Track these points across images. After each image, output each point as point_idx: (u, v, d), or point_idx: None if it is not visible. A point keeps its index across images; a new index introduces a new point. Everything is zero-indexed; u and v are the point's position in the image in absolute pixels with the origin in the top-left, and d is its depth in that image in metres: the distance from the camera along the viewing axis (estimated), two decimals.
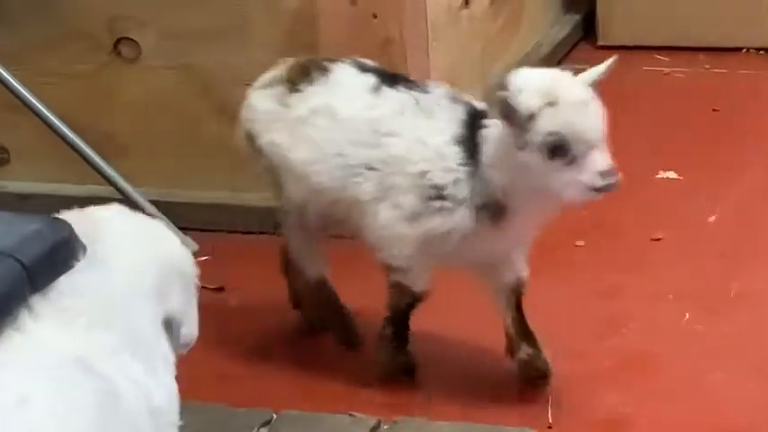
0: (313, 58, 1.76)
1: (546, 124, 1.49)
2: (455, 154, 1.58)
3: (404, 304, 1.67)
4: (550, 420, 1.60)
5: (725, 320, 1.79)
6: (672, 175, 2.23)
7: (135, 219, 1.22)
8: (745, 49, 2.81)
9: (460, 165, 1.58)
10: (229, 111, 1.88)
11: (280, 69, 1.74)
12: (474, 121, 1.61)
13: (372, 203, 1.61)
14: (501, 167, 1.55)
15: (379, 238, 1.64)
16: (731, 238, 2.03)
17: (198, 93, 2.12)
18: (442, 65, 2.14)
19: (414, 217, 1.59)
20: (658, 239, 2.01)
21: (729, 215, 2.06)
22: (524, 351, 1.67)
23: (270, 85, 1.73)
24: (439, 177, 1.56)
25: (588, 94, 1.55)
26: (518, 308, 1.66)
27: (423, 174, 1.56)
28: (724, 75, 2.74)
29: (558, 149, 1.49)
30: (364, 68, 1.68)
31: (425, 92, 1.64)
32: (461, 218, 1.58)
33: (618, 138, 2.56)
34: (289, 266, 1.82)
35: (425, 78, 1.75)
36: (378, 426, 1.57)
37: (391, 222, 1.61)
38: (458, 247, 1.60)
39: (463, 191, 1.57)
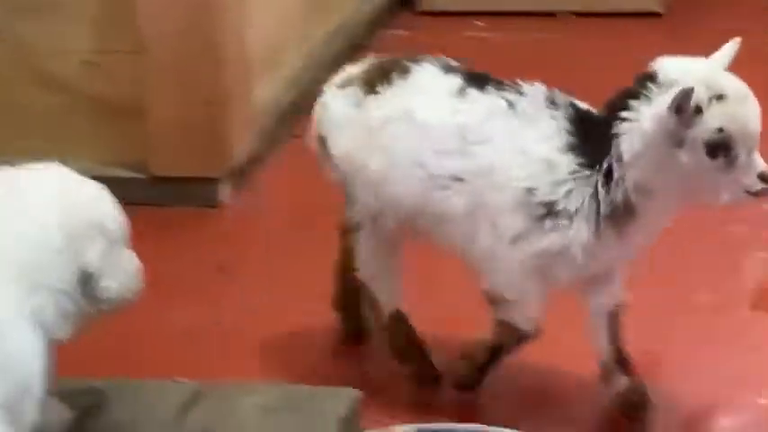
0: (395, 59, 1.59)
1: (714, 120, 1.35)
2: (567, 163, 1.41)
3: (510, 344, 1.49)
4: None
5: None
6: None
7: (60, 178, 1.24)
8: (558, 13, 2.91)
9: (573, 173, 1.41)
10: (45, 79, 1.86)
11: (358, 68, 1.58)
12: (582, 121, 1.45)
13: (465, 220, 1.45)
14: (644, 166, 1.38)
15: (481, 264, 1.47)
16: None
17: (13, 62, 2.09)
18: (260, 25, 2.16)
19: (521, 238, 1.42)
20: None
21: None
22: (621, 382, 1.51)
23: (346, 84, 1.57)
24: (548, 193, 1.38)
25: (748, 89, 1.41)
26: (616, 334, 1.49)
27: (529, 191, 1.38)
28: (542, 39, 2.82)
29: (722, 148, 1.35)
30: (449, 69, 1.52)
31: (520, 93, 1.46)
32: (578, 232, 1.41)
33: None
34: (347, 282, 1.65)
35: (517, 81, 1.51)
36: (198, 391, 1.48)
37: (493, 246, 1.43)
38: (574, 265, 1.44)
39: (578, 202, 1.40)
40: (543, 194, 1.38)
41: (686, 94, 1.31)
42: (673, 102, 1.32)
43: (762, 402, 1.53)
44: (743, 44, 1.47)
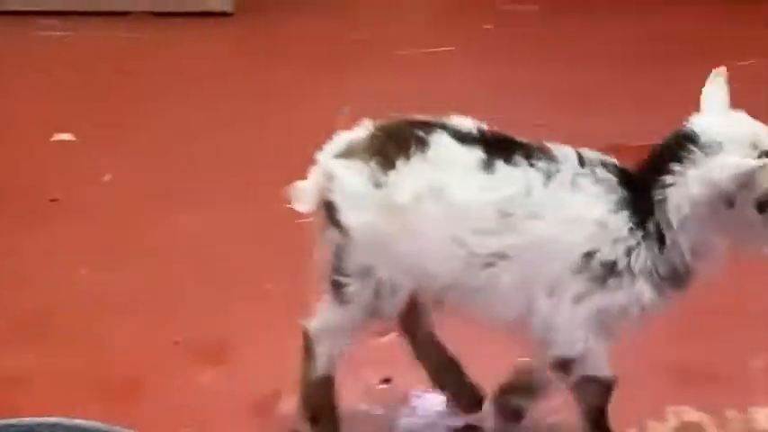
0: (399, 125, 1.49)
1: (764, 180, 1.35)
2: (621, 221, 1.39)
3: (600, 398, 1.46)
4: None
5: (120, 274, 1.82)
6: (67, 137, 2.24)
7: None
8: (133, 13, 2.88)
9: (630, 232, 1.39)
10: None
11: (357, 134, 1.47)
12: (621, 179, 1.42)
13: (516, 294, 1.40)
14: (693, 229, 1.38)
15: (545, 334, 1.42)
16: (125, 195, 2.08)
17: None
18: None
19: (583, 297, 1.40)
20: (55, 200, 2.01)
21: (124, 173, 2.11)
22: None
23: (352, 154, 1.46)
24: (608, 253, 1.37)
25: None
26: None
27: (588, 255, 1.37)
28: (119, 38, 2.78)
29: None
30: (462, 138, 1.43)
31: (551, 160, 1.42)
32: (641, 291, 1.40)
33: (9, 104, 2.55)
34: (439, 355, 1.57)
35: (542, 144, 1.45)
36: None
37: (555, 312, 1.41)
38: (633, 323, 1.41)
39: (637, 260, 1.39)
40: (603, 255, 1.37)
41: (751, 172, 1.33)
42: (736, 177, 1.32)
43: None
44: None
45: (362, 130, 1.44)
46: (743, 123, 1.42)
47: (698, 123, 1.40)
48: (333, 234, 1.40)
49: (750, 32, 2.64)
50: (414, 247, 1.37)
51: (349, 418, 1.50)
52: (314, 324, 1.45)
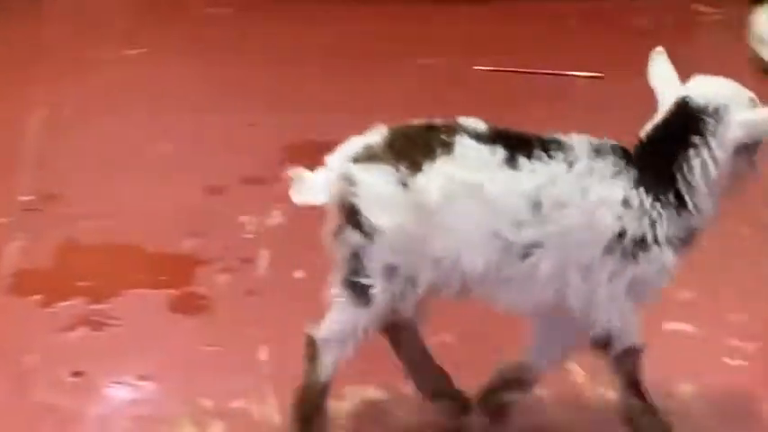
0: (418, 128, 1.50)
1: (765, 124, 1.49)
2: (643, 196, 1.46)
3: (637, 366, 1.52)
4: None
5: None
6: None
7: None
8: None
9: (652, 205, 1.47)
10: None
11: (375, 138, 1.46)
12: (632, 158, 1.49)
13: (552, 280, 1.47)
14: (717, 189, 1.48)
15: (584, 313, 1.49)
16: None
17: None
18: None
19: (617, 274, 1.47)
20: None
21: None
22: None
23: (374, 158, 1.46)
24: (636, 229, 1.45)
25: None
26: None
27: (619, 235, 1.44)
28: None
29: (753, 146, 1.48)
30: (481, 138, 1.48)
31: (568, 151, 1.48)
32: (666, 258, 1.47)
33: None
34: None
35: (555, 135, 1.51)
36: None
37: (592, 292, 1.48)
38: (661, 287, 1.50)
39: (661, 230, 1.47)
40: (632, 232, 1.45)
41: (765, 120, 1.47)
42: (755, 129, 1.46)
43: None
44: None
45: (376, 135, 1.47)
46: (728, 85, 1.53)
47: (697, 93, 1.50)
48: (353, 236, 1.43)
49: (433, 32, 2.79)
50: (447, 243, 1.43)
51: (40, 412, 1.53)
52: (323, 330, 1.46)
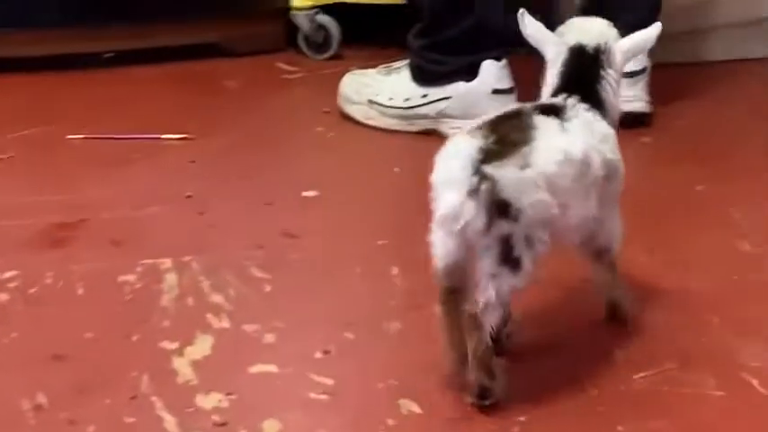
0: (499, 119, 1.72)
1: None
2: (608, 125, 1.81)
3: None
4: None
5: None
6: None
7: None
8: None
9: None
10: None
11: (472, 141, 1.63)
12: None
13: (594, 211, 1.79)
14: (617, 105, 1.85)
15: (595, 231, 1.80)
16: None
17: None
18: None
19: (614, 192, 1.82)
20: None
21: None
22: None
23: (496, 155, 1.63)
24: (613, 152, 1.78)
25: None
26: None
27: (612, 162, 1.78)
28: None
29: None
30: (542, 112, 1.76)
31: (564, 110, 1.78)
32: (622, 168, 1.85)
33: None
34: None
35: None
36: None
37: (603, 211, 1.79)
38: None
39: (616, 148, 1.83)
40: (613, 156, 1.76)
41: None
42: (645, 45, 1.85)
43: None
44: None
45: (471, 139, 1.62)
46: (600, 25, 1.85)
47: (585, 39, 1.81)
48: (503, 226, 1.61)
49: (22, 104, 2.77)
50: (561, 202, 1.67)
51: None
52: (483, 303, 1.64)
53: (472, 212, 1.57)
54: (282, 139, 2.60)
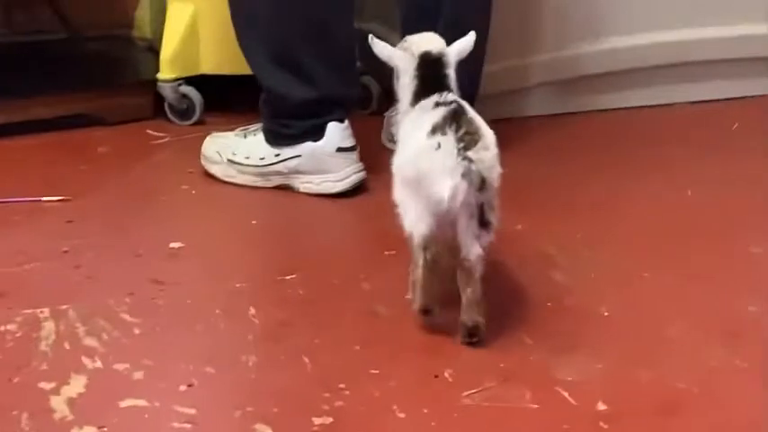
0: (451, 113, 1.84)
1: None
2: None
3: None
4: None
5: None
6: None
7: None
8: None
9: None
10: None
11: (446, 133, 1.79)
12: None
13: None
14: None
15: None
16: None
17: None
18: None
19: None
20: None
21: None
22: None
23: (472, 142, 1.80)
24: None
25: None
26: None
27: None
28: None
29: None
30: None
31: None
32: None
33: None
34: None
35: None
36: None
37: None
38: None
39: None
40: None
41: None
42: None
43: None
44: None
45: (441, 132, 1.80)
46: (434, 36, 2.01)
47: (430, 47, 1.96)
48: (480, 198, 1.78)
49: None
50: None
51: None
52: (473, 257, 1.82)
53: (466, 190, 1.75)
54: (151, 197, 2.62)
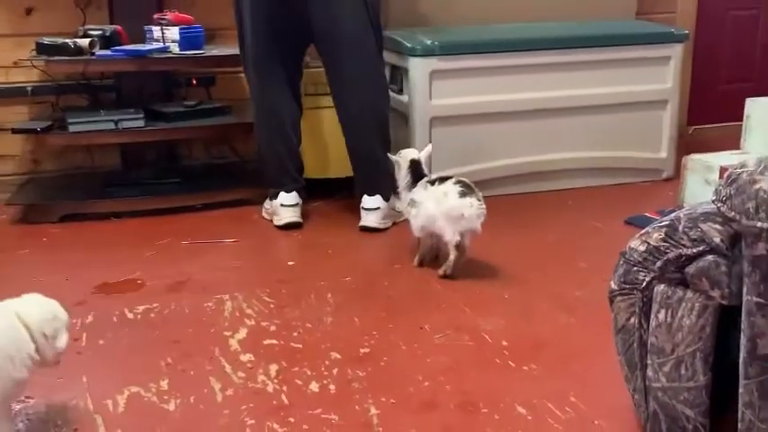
0: (456, 180, 2.43)
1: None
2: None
3: None
4: None
5: None
6: None
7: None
8: None
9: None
10: None
11: (456, 186, 2.42)
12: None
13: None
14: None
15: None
16: None
17: None
18: None
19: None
20: None
21: None
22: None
23: (473, 192, 2.36)
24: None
25: None
26: None
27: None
28: None
29: None
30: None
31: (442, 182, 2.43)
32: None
33: None
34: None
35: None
36: None
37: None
38: None
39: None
40: None
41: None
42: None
43: None
44: None
45: (456, 186, 2.46)
46: (412, 149, 2.58)
47: (414, 156, 2.54)
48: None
49: None
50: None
51: None
52: (466, 242, 2.41)
53: (484, 210, 2.30)
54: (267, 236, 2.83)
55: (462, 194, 2.29)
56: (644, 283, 1.56)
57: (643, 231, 1.57)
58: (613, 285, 1.60)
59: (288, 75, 2.75)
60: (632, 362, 1.59)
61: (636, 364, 1.58)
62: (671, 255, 1.50)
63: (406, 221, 2.54)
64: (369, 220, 2.76)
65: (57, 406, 1.79)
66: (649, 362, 1.54)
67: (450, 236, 2.31)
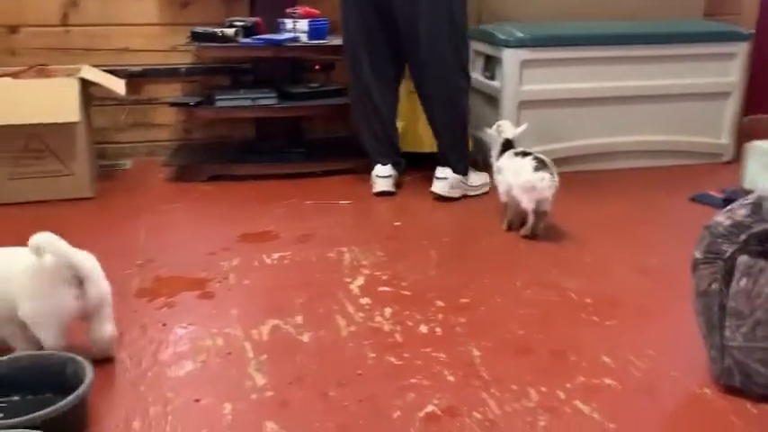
0: (532, 154, 2.38)
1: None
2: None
3: None
4: None
5: None
6: None
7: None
8: None
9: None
10: None
11: (532, 161, 2.37)
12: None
13: None
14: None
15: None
16: None
17: None
18: None
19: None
20: None
21: None
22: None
23: (548, 166, 2.34)
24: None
25: None
26: None
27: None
28: None
29: None
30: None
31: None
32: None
33: None
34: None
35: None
36: None
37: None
38: None
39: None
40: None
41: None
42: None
43: None
44: None
45: (532, 159, 2.39)
46: (508, 123, 2.59)
47: (508, 134, 2.51)
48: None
49: None
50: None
51: None
52: (546, 209, 2.39)
53: (554, 183, 2.28)
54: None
55: (536, 169, 2.26)
56: (727, 254, 1.52)
57: (728, 207, 1.54)
58: (698, 255, 1.56)
59: (385, 61, 2.74)
60: (711, 322, 1.56)
61: (715, 325, 1.55)
62: (755, 229, 1.48)
63: (485, 194, 2.71)
64: (437, 186, 2.74)
65: (213, 332, 1.81)
66: (728, 323, 1.51)
67: (526, 203, 2.31)
